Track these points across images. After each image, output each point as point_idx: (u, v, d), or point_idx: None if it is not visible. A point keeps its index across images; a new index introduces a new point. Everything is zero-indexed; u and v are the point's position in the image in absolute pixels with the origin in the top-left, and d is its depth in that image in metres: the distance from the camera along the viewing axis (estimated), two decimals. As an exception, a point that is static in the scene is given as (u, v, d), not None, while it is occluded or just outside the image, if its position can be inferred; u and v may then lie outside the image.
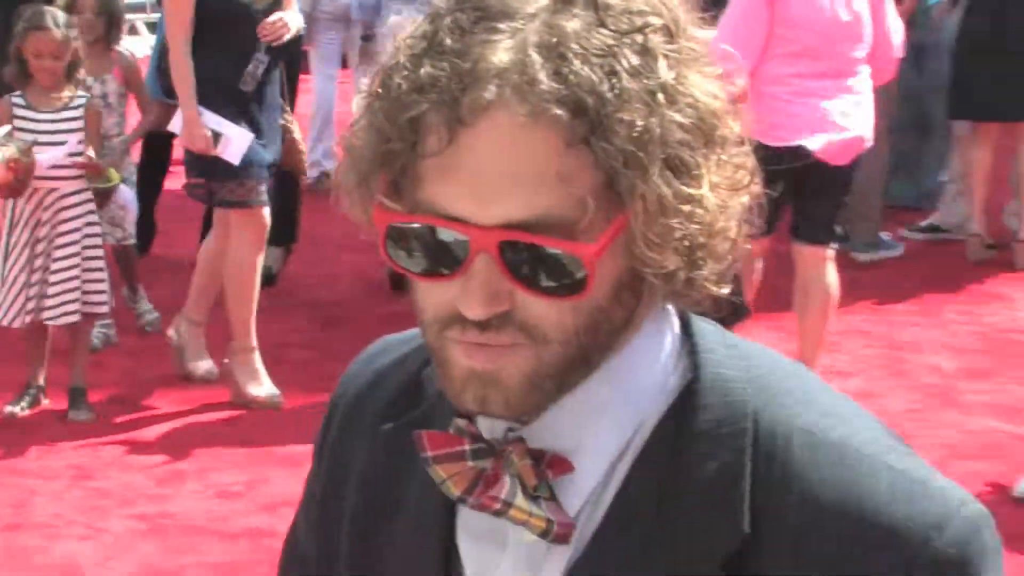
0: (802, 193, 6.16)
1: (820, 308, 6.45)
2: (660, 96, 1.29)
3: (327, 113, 10.70)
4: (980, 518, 1.35)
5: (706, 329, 1.44)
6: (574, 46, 1.27)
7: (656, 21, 1.32)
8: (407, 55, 1.32)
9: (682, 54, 1.32)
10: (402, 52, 1.33)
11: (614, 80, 1.27)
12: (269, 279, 8.22)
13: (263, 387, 6.92)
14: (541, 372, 1.33)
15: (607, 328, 1.36)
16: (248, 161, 6.83)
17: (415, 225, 1.32)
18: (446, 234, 1.30)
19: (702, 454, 1.37)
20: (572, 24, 1.29)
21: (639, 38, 1.30)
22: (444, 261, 1.32)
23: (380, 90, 1.33)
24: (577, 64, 1.27)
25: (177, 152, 9.93)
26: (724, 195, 1.34)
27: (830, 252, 6.52)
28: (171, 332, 7.21)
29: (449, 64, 1.28)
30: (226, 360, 7.04)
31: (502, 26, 1.28)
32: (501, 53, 1.27)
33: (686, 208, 1.31)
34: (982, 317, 8.17)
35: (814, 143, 6.15)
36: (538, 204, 1.27)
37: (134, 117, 8.33)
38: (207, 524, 5.80)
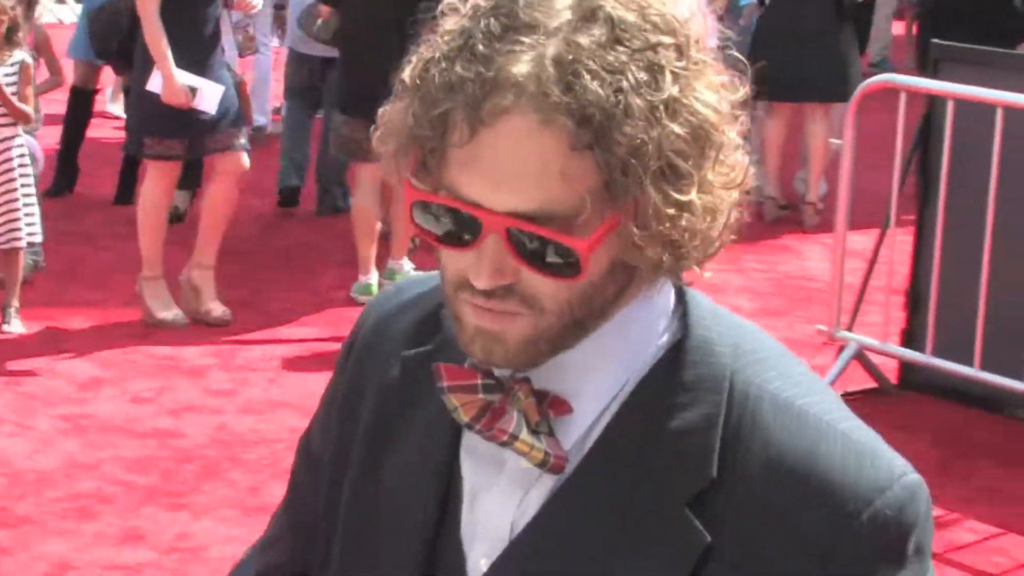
0: None
1: None
2: (662, 110, 1.26)
3: (264, 75, 10.69)
4: (917, 487, 1.33)
5: (698, 298, 1.41)
6: (587, 62, 1.24)
7: (667, 40, 1.28)
8: (443, 51, 1.29)
9: (689, 68, 1.29)
10: (440, 47, 1.30)
11: (620, 96, 1.24)
12: (179, 217, 8.19)
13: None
14: (538, 336, 1.32)
15: (600, 301, 1.33)
16: (224, 110, 6.82)
17: (435, 203, 1.31)
18: (463, 215, 1.28)
19: (683, 404, 1.34)
20: (588, 40, 1.25)
21: (650, 55, 1.27)
22: (461, 234, 1.30)
23: (419, 80, 1.30)
24: (587, 79, 1.24)
25: (100, 105, 9.95)
26: (715, 195, 1.31)
27: None
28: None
29: (476, 69, 1.25)
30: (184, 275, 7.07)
31: (526, 39, 1.26)
32: (521, 65, 1.25)
33: (674, 212, 1.28)
34: (776, 266, 8.34)
35: None
36: (542, 197, 1.26)
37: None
38: (122, 424, 5.84)
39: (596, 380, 1.37)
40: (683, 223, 1.28)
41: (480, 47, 1.26)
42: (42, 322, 6.93)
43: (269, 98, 10.95)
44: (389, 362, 1.48)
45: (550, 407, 1.35)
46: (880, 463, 1.32)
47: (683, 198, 1.28)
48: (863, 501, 1.29)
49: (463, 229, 1.29)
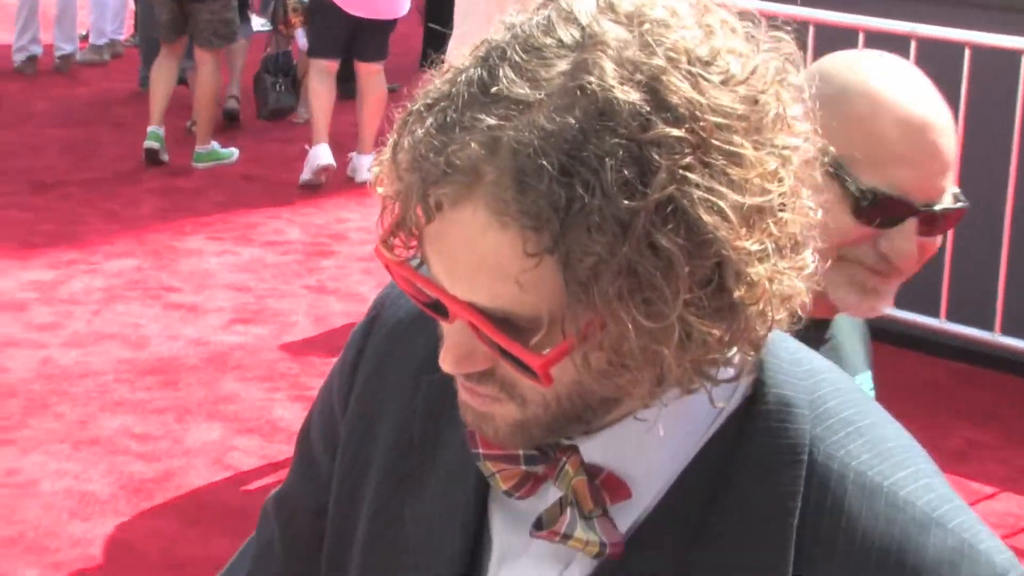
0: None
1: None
2: (640, 219, 1.03)
3: (33, 6, 10.55)
4: None
5: (777, 343, 1.20)
6: (552, 154, 1.04)
7: (674, 132, 1.04)
8: (423, 105, 1.12)
9: (709, 165, 1.05)
10: (421, 100, 1.14)
11: (587, 199, 1.03)
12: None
13: None
14: (527, 424, 1.15)
15: (594, 398, 1.15)
16: None
17: (410, 277, 1.16)
18: (432, 296, 1.14)
19: (755, 480, 1.16)
20: (563, 125, 1.05)
21: (645, 148, 1.04)
22: (435, 311, 1.16)
23: (396, 143, 1.14)
24: (545, 178, 1.04)
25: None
26: (706, 324, 1.07)
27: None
28: None
29: (436, 144, 1.08)
30: None
31: (491, 116, 1.07)
32: (475, 149, 1.06)
33: (646, 344, 1.07)
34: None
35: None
36: (499, 298, 1.09)
37: None
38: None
39: (657, 453, 1.18)
40: (664, 355, 1.08)
41: (450, 114, 1.09)
42: None
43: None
44: (409, 381, 1.33)
45: (604, 489, 1.17)
46: (979, 558, 1.15)
47: (655, 326, 1.06)
48: None
49: (436, 306, 1.15)
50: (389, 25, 8.52)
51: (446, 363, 1.14)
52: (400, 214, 1.13)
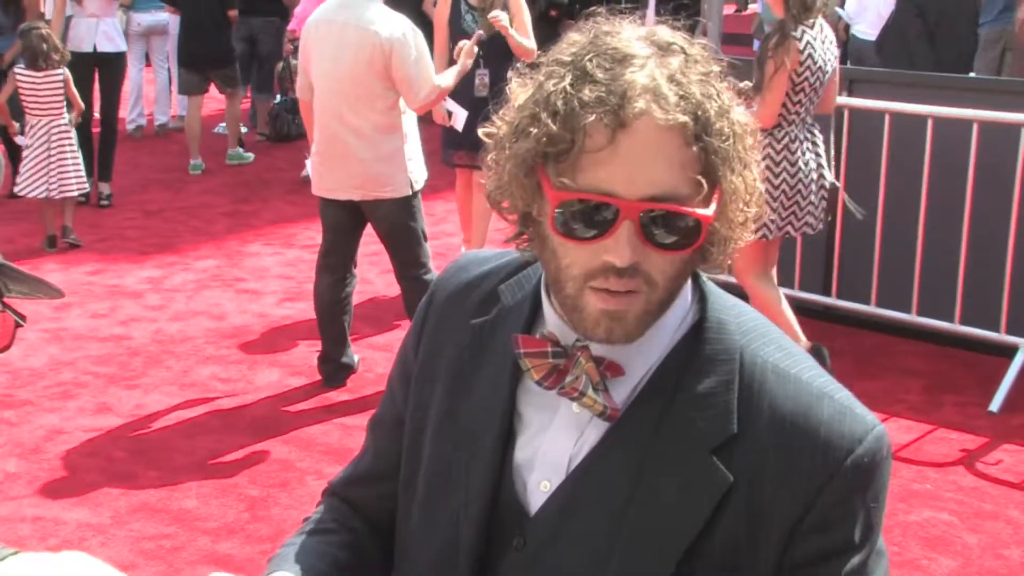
0: None
1: None
2: (732, 114, 1.13)
3: (139, 89, 10.46)
4: (883, 436, 1.19)
5: (713, 288, 1.25)
6: (681, 75, 1.11)
7: (716, 68, 1.16)
8: (560, 85, 1.11)
9: (727, 90, 1.16)
10: (548, 86, 1.12)
11: (710, 100, 1.11)
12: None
13: None
14: (650, 310, 1.15)
15: (684, 278, 1.17)
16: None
17: (578, 199, 1.11)
18: (602, 206, 1.10)
19: (705, 372, 1.18)
20: (674, 61, 1.12)
21: (712, 77, 1.14)
22: (597, 226, 1.11)
23: (545, 110, 1.11)
24: (689, 87, 1.11)
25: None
26: (759, 183, 1.17)
27: None
28: None
29: (607, 87, 1.09)
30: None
31: (635, 63, 1.11)
32: (644, 78, 1.10)
33: (749, 196, 1.15)
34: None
35: None
36: (669, 183, 1.10)
37: None
38: (86, 333, 5.76)
39: (643, 349, 1.19)
40: (751, 203, 1.16)
41: (599, 74, 1.10)
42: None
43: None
44: (460, 329, 1.31)
45: (607, 370, 1.18)
46: (857, 418, 1.18)
47: (752, 182, 1.15)
48: (845, 448, 1.16)
49: (600, 219, 1.11)
50: None
51: (624, 256, 1.10)
52: (558, 152, 1.10)
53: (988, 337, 5.13)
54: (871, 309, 5.47)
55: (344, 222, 4.86)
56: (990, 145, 4.99)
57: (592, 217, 1.11)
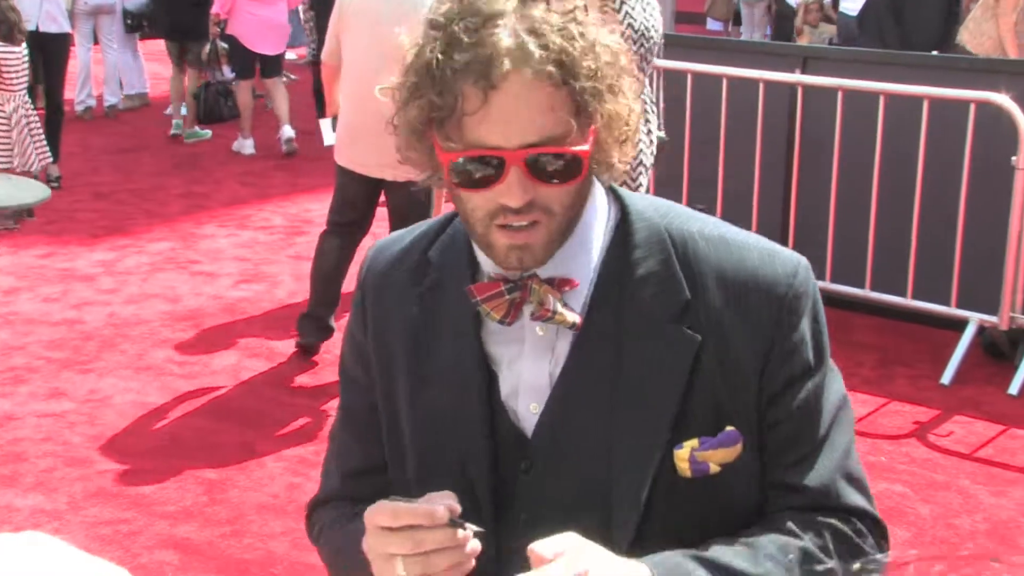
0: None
1: None
2: (597, 48, 1.20)
3: (87, 70, 10.28)
4: (808, 266, 1.31)
5: (622, 189, 1.35)
6: (543, 26, 1.18)
7: (580, 2, 1.22)
8: (435, 54, 1.19)
9: (595, 22, 1.23)
10: (425, 52, 1.20)
11: (573, 42, 1.18)
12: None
13: None
14: (552, 237, 1.23)
15: (582, 202, 1.26)
16: None
17: (465, 157, 1.20)
18: (489, 158, 1.19)
19: (643, 256, 1.28)
20: (536, 11, 1.19)
21: (575, 15, 1.20)
22: (489, 176, 1.20)
23: (423, 79, 1.20)
24: (550, 36, 1.18)
25: None
26: (632, 103, 1.25)
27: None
28: None
29: (473, 53, 1.17)
30: None
31: (498, 23, 1.18)
32: (506, 39, 1.17)
33: (625, 115, 1.24)
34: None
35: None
36: (544, 128, 1.18)
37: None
38: (38, 317, 5.69)
39: (582, 260, 1.29)
40: (631, 124, 1.24)
41: (465, 39, 1.18)
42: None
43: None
44: (402, 303, 1.36)
45: (561, 287, 1.27)
46: (783, 257, 1.30)
47: (629, 104, 1.23)
48: (784, 284, 1.27)
49: (490, 170, 1.19)
50: (282, 55, 9.21)
51: (515, 198, 1.19)
52: (442, 117, 1.19)
53: (939, 311, 5.20)
54: (825, 284, 5.52)
55: (365, 194, 4.89)
56: (940, 121, 5.04)
57: (483, 169, 1.19)
